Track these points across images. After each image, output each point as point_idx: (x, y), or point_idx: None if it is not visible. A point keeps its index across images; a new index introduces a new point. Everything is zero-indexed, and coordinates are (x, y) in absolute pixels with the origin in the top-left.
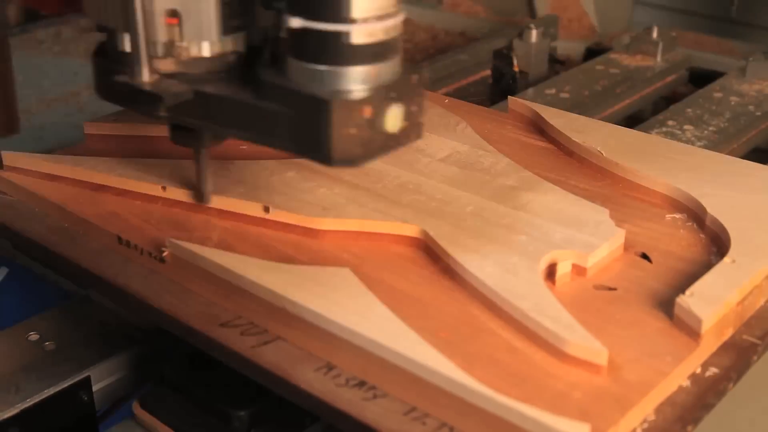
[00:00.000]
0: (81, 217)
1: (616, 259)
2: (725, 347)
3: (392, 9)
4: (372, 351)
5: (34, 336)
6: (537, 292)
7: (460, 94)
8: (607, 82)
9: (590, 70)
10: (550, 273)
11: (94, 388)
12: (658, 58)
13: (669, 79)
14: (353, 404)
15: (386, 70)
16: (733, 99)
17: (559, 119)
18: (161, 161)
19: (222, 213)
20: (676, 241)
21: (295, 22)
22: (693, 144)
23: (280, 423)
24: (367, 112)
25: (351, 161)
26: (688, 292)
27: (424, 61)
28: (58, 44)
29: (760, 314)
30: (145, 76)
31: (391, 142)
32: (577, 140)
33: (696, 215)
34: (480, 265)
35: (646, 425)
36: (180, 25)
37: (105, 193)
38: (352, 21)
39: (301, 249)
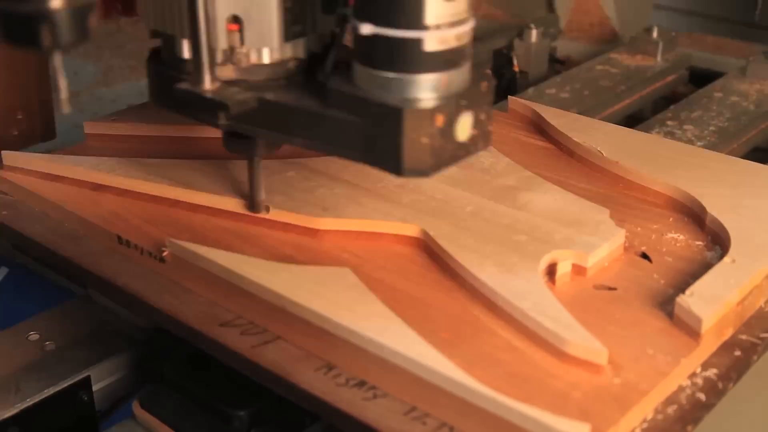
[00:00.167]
0: (81, 217)
1: (616, 259)
2: (725, 347)
3: (464, 15)
4: (372, 351)
5: (34, 336)
6: (537, 292)
7: None
8: (607, 82)
9: (590, 70)
10: (550, 273)
11: (94, 388)
12: (658, 58)
13: (669, 79)
14: (353, 404)
15: (457, 77)
16: (733, 99)
17: (559, 119)
18: (161, 161)
19: (222, 213)
20: (676, 241)
21: (366, 29)
22: (693, 144)
23: (280, 423)
24: (440, 121)
25: (422, 171)
26: (688, 292)
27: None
28: None
29: (760, 314)
30: (207, 84)
31: (461, 151)
32: (577, 140)
33: (696, 215)
34: (480, 265)
35: (646, 425)
36: (241, 31)
37: (105, 193)
38: (426, 27)
39: (301, 249)
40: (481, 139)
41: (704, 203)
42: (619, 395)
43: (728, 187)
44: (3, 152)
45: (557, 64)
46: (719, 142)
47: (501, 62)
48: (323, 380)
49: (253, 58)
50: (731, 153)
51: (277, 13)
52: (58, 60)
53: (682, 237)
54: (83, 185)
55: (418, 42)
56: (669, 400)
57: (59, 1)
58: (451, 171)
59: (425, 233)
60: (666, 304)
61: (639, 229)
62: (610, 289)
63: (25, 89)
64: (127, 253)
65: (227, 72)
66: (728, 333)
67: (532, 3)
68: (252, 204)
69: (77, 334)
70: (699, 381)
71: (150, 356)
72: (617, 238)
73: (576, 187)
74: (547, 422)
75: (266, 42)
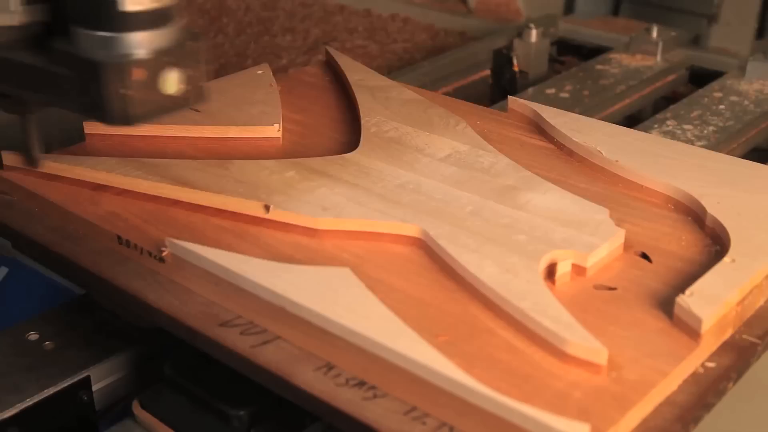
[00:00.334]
0: (81, 217)
1: (616, 259)
2: (725, 347)
3: None
4: (372, 351)
5: (34, 336)
6: (537, 292)
7: (460, 94)
8: (607, 82)
9: (590, 70)
10: (550, 273)
11: (94, 388)
12: (658, 58)
13: (669, 79)
14: (353, 404)
15: (162, 36)
16: (733, 99)
17: (559, 119)
18: (161, 161)
19: (222, 213)
20: (676, 241)
21: None
22: (693, 144)
23: (280, 423)
24: (140, 74)
25: (129, 120)
26: (688, 292)
27: (424, 60)
28: None
29: (760, 314)
30: None
31: (169, 104)
32: (576, 140)
33: (696, 215)
34: (480, 265)
35: (646, 425)
36: None
37: (105, 193)
38: None
39: (301, 249)
40: (193, 94)
41: (704, 203)
42: (619, 395)
43: (728, 187)
44: (3, 152)
45: (557, 64)
46: (719, 142)
47: (501, 62)
48: (323, 380)
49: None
50: (731, 153)
51: None
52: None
53: (682, 237)
54: (83, 185)
55: (114, 3)
56: (669, 400)
57: None
58: (452, 171)
59: (425, 233)
60: (666, 304)
61: (639, 229)
62: (610, 289)
63: None
64: (127, 253)
65: None
66: (728, 333)
67: None
68: (29, 159)
69: (77, 334)
70: (699, 381)
71: (150, 356)
72: (617, 238)
73: (576, 187)
74: (547, 422)
75: (4, 6)
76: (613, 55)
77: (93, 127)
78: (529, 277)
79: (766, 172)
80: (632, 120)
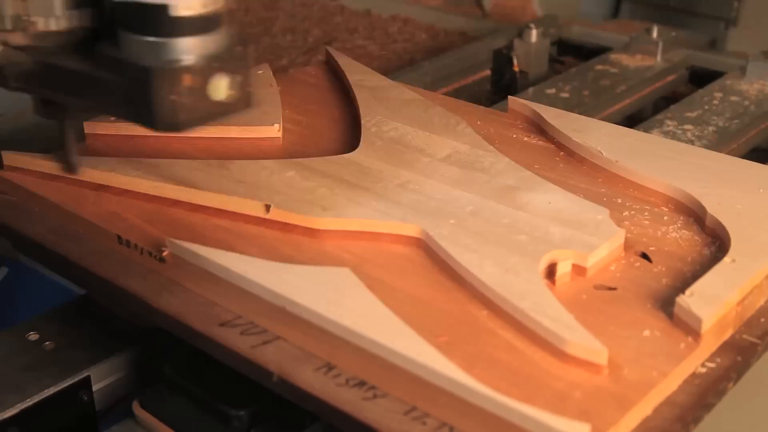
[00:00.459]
0: (81, 217)
1: (616, 259)
2: (725, 347)
3: None
4: (372, 351)
5: (34, 336)
6: (537, 292)
7: (460, 94)
8: (607, 82)
9: (590, 70)
10: (550, 273)
11: (94, 388)
12: (658, 58)
13: (669, 79)
14: (353, 404)
15: (210, 41)
16: (733, 99)
17: (559, 119)
18: (161, 161)
19: (222, 213)
20: (676, 241)
21: None
22: (693, 144)
23: (280, 423)
24: (188, 79)
25: (176, 126)
26: (688, 292)
27: (424, 60)
28: None
29: (760, 314)
30: None
31: (218, 110)
32: (577, 140)
33: (696, 215)
34: (480, 265)
35: (646, 425)
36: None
37: (105, 193)
38: None
39: (301, 249)
40: (240, 99)
41: (704, 203)
42: (619, 395)
43: (728, 187)
44: (3, 152)
45: (557, 64)
46: (719, 142)
47: (501, 62)
48: (323, 380)
49: (40, 26)
50: (731, 153)
51: None
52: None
53: (682, 237)
54: (83, 185)
55: (164, 8)
56: (669, 400)
57: None
58: (452, 171)
59: (425, 233)
60: (666, 304)
61: (639, 229)
62: (610, 289)
63: None
64: (127, 253)
65: (17, 38)
66: (728, 333)
67: None
68: (68, 165)
69: (77, 334)
70: (699, 381)
71: (150, 356)
72: (617, 238)
73: (576, 187)
74: (547, 422)
75: (50, 10)
76: (613, 55)
77: (93, 127)
78: (529, 277)
79: (766, 172)
80: (632, 120)
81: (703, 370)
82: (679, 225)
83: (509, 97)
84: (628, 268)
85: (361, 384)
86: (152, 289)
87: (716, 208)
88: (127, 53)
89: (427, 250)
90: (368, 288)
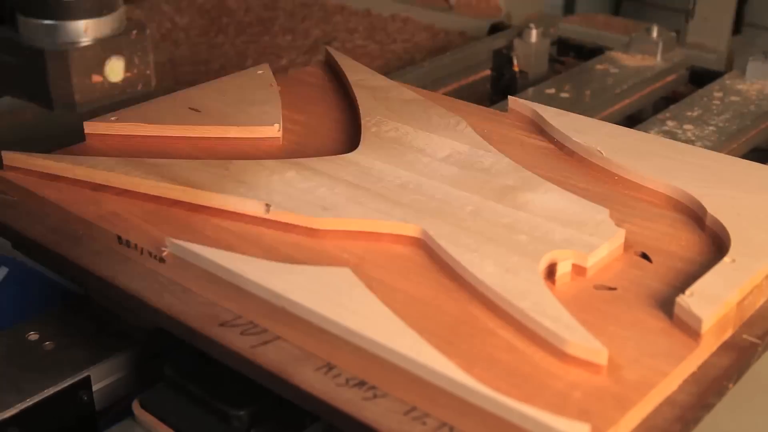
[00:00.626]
0: (81, 217)
1: (616, 259)
2: (725, 347)
3: None
4: (372, 351)
5: (34, 336)
6: (537, 292)
7: (460, 94)
8: (607, 82)
9: (590, 70)
10: (550, 273)
11: (94, 388)
12: (658, 58)
13: (669, 79)
14: (353, 404)
15: (104, 25)
16: (733, 99)
17: (559, 119)
18: (161, 161)
19: (222, 213)
20: (676, 241)
21: None
22: (693, 144)
23: (280, 423)
24: (82, 61)
25: (72, 106)
26: (688, 292)
27: (424, 60)
28: None
29: (760, 314)
30: None
31: (114, 91)
32: (577, 140)
33: (696, 215)
34: (480, 265)
35: (646, 425)
36: None
37: (105, 193)
38: None
39: (301, 249)
40: (139, 80)
41: (704, 203)
42: (619, 395)
43: (728, 187)
44: (3, 152)
45: (557, 64)
46: (719, 142)
47: (501, 62)
48: (323, 380)
49: None
50: (731, 153)
51: None
52: None
53: (682, 237)
54: (83, 185)
55: None
56: (669, 400)
57: None
58: (452, 171)
59: (425, 233)
60: (666, 304)
61: (639, 229)
62: (610, 289)
63: None
64: (127, 253)
65: None
66: (728, 333)
67: None
68: None
69: (77, 334)
70: (699, 381)
71: (150, 356)
72: (617, 238)
73: (576, 187)
74: (547, 422)
75: None
76: (613, 55)
77: (93, 127)
78: (529, 277)
79: (766, 172)
80: (632, 120)
81: (703, 370)
82: (678, 225)
83: (509, 97)
84: (628, 268)
85: (361, 384)
86: (152, 289)
87: (716, 208)
88: (22, 36)
89: (427, 250)
90: (368, 288)
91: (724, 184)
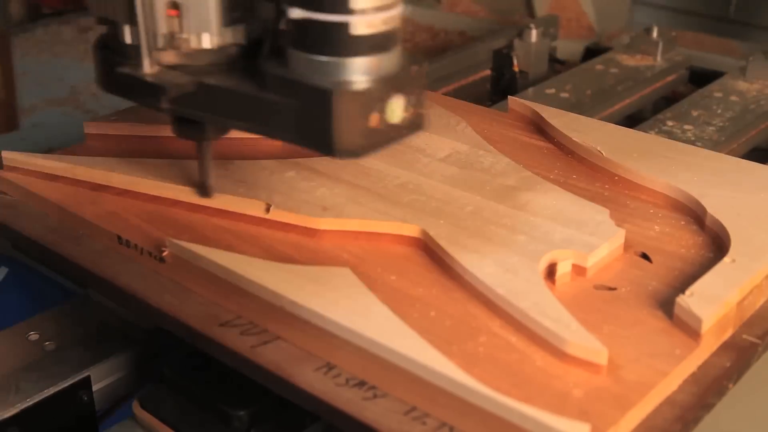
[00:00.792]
0: (81, 217)
1: (616, 259)
2: (725, 347)
3: (391, 1)
4: (372, 351)
5: (34, 336)
6: (537, 292)
7: (460, 94)
8: (607, 82)
9: (590, 70)
10: (550, 273)
11: (94, 388)
12: (658, 58)
13: (669, 79)
14: (353, 404)
15: (387, 61)
16: (733, 99)
17: (559, 119)
18: (161, 161)
19: (222, 213)
20: (676, 241)
21: (296, 13)
22: (693, 144)
23: (280, 423)
24: (369, 102)
25: (354, 152)
26: (688, 292)
27: (423, 60)
28: (59, 44)
29: (760, 314)
30: (147, 68)
31: (393, 133)
32: (577, 140)
33: (696, 215)
34: (480, 265)
35: (646, 425)
36: (180, 16)
37: (105, 193)
38: (352, 12)
39: (301, 249)
40: (414, 121)
41: (704, 203)
42: (619, 395)
43: (728, 187)
44: (3, 152)
45: (557, 64)
46: (719, 142)
47: (501, 62)
48: (323, 380)
49: (194, 43)
50: (731, 153)
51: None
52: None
53: (682, 237)
54: (83, 185)
55: (345, 26)
56: (669, 400)
57: None
58: (452, 171)
59: (425, 233)
60: (666, 304)
61: (639, 229)
62: (610, 289)
63: None
64: (127, 253)
65: (169, 57)
66: (728, 333)
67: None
68: (202, 189)
69: (77, 334)
70: (699, 381)
71: (150, 356)
72: (617, 238)
73: (576, 187)
74: (547, 422)
75: (205, 27)
76: (613, 55)
77: (93, 127)
78: (529, 277)
79: (766, 172)
80: (632, 120)
81: (703, 370)
82: (678, 225)
83: (509, 97)
84: (628, 268)
85: (361, 384)
86: (152, 289)
87: (716, 208)
88: (298, 73)
89: (427, 250)
90: (368, 288)
91: (724, 184)
